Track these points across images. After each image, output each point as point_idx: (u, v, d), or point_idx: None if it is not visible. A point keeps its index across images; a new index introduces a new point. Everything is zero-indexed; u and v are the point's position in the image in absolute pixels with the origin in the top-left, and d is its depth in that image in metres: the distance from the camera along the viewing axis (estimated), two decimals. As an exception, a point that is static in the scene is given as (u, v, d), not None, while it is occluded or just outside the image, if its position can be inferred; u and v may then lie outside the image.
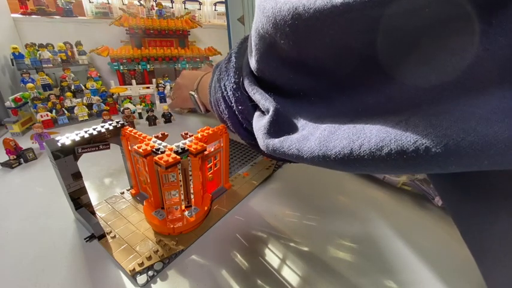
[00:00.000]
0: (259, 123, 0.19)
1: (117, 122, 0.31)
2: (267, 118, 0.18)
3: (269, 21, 0.15)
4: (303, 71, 0.16)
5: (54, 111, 0.59)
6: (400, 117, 0.12)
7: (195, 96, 0.46)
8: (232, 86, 0.23)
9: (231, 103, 0.24)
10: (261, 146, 0.19)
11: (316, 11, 0.12)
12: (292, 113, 0.17)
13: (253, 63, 0.20)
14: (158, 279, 0.24)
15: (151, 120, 0.60)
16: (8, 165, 0.41)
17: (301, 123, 0.17)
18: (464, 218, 0.17)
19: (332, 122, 0.15)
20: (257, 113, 0.21)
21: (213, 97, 0.28)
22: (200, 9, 0.99)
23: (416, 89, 0.12)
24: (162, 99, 0.70)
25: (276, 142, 0.17)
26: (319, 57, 0.15)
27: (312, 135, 0.15)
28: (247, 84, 0.21)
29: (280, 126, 0.17)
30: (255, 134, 0.20)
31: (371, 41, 0.12)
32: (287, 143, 0.16)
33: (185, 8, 0.94)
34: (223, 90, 0.25)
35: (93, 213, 0.30)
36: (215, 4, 1.02)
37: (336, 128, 0.14)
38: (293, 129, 0.17)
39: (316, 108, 0.17)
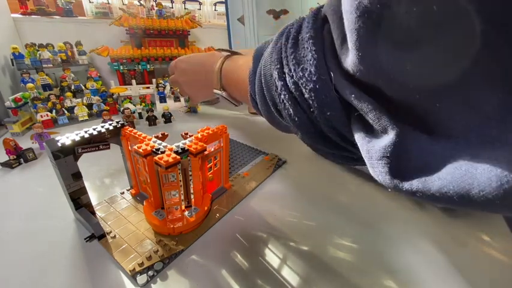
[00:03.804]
0: (372, 147, 0.15)
1: (117, 122, 0.31)
2: (387, 143, 0.14)
3: None
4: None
5: (54, 111, 0.59)
6: None
7: (223, 94, 0.40)
8: (315, 85, 0.17)
9: (311, 107, 0.19)
10: (382, 182, 0.15)
11: None
12: (420, 143, 0.13)
13: (352, 56, 0.14)
14: (158, 279, 0.24)
15: (151, 120, 0.60)
16: (8, 165, 0.41)
17: (433, 158, 0.13)
18: None
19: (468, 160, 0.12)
20: (358, 126, 0.17)
21: (260, 95, 0.22)
22: (200, 9, 0.99)
23: None
24: (162, 99, 0.70)
25: (414, 184, 0.13)
26: None
27: (451, 174, 0.12)
28: (344, 85, 0.16)
29: (411, 160, 0.14)
30: (365, 159, 0.16)
31: None
32: (429, 185, 0.12)
33: (185, 8, 0.94)
34: (293, 88, 0.19)
35: (93, 213, 0.30)
36: (215, 4, 1.02)
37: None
38: (428, 166, 0.13)
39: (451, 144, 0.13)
